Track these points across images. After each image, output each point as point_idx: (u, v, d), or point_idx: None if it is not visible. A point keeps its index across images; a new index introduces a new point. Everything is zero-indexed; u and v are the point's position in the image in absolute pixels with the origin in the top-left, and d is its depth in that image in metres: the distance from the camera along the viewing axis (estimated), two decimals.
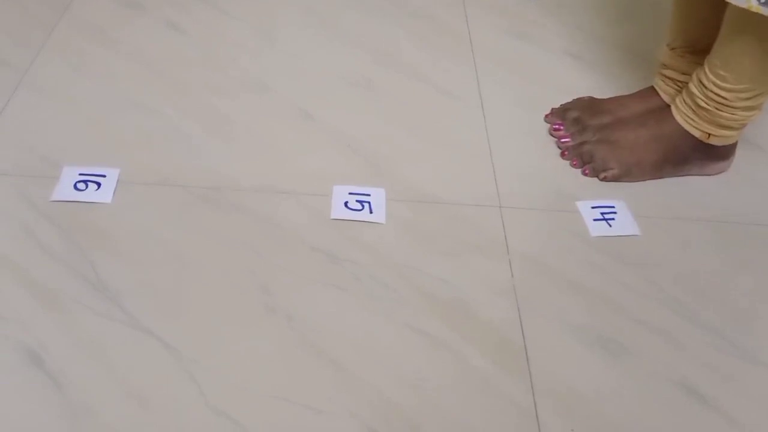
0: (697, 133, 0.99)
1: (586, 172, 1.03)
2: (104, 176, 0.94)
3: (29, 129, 1.00)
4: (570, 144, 1.05)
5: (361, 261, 0.88)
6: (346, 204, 0.95)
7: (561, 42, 1.30)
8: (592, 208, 0.99)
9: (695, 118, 0.98)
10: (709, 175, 1.04)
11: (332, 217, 0.93)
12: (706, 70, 0.94)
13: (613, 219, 0.97)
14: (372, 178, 1.00)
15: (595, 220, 0.97)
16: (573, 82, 1.19)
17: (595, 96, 1.12)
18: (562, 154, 1.05)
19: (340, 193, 0.97)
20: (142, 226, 0.89)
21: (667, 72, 1.05)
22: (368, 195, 0.97)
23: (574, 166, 1.04)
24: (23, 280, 0.81)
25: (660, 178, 1.03)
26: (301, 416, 0.73)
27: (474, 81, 1.19)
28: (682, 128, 0.99)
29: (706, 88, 0.95)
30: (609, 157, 1.02)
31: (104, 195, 0.92)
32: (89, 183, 0.93)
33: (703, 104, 0.96)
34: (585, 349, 0.81)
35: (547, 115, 1.11)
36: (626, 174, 1.02)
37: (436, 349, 0.80)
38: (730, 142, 1.01)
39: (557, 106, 1.11)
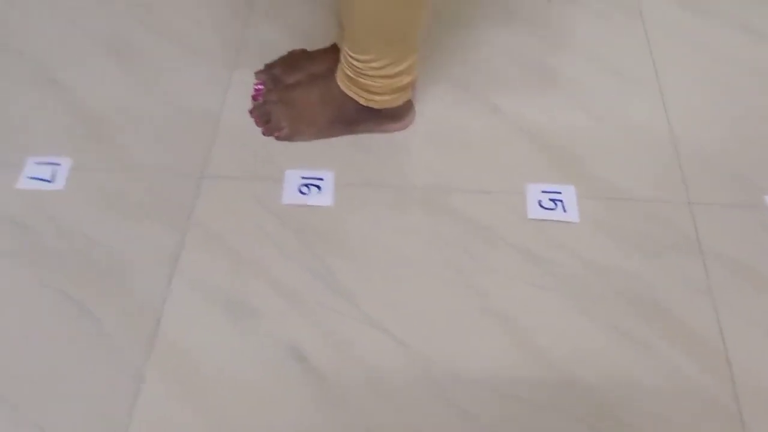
0: (355, 98, 1.03)
1: None
2: (322, 179, 1.05)
3: (247, 131, 1.11)
4: None
5: (560, 261, 0.96)
6: (540, 203, 1.02)
7: (740, 14, 1.27)
8: None
9: (350, 85, 1.02)
10: (388, 132, 1.09)
11: (529, 216, 1.01)
12: (344, 42, 0.98)
13: None
14: (560, 174, 1.06)
15: None
16: (753, 58, 1.18)
17: None
18: None
19: (534, 191, 1.04)
20: (363, 228, 1.00)
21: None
22: (559, 193, 1.03)
23: None
24: (269, 279, 0.94)
25: (332, 136, 1.08)
26: (527, 411, 0.83)
27: (649, 60, 1.20)
28: (344, 92, 1.04)
29: (346, 59, 0.99)
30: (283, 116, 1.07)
31: (325, 198, 1.03)
32: (311, 186, 1.04)
33: (349, 74, 1.00)
34: None
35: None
36: (296, 133, 1.08)
37: (638, 348, 0.88)
38: (389, 106, 1.05)
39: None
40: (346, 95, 1.05)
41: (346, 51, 0.99)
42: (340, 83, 1.05)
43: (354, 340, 0.89)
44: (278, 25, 1.26)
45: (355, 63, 0.98)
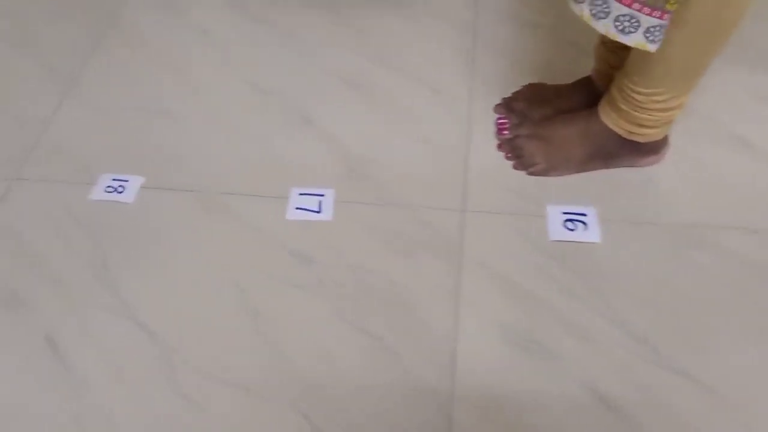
0: (619, 132, 1.02)
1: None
2: (585, 215, 1.03)
3: (496, 165, 1.10)
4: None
5: None
6: None
7: None
8: None
9: (618, 119, 1.02)
10: (638, 166, 1.07)
11: None
12: (623, 74, 0.97)
13: None
14: None
15: None
16: None
17: None
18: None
19: None
20: (639, 267, 0.97)
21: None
22: None
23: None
24: (557, 318, 0.92)
25: (587, 171, 1.07)
26: None
27: None
28: (607, 126, 1.03)
29: (623, 91, 0.98)
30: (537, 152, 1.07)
31: (592, 234, 1.01)
32: (576, 222, 1.03)
33: (623, 107, 0.99)
34: None
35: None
36: (552, 168, 1.07)
37: None
38: (654, 140, 1.03)
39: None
40: (609, 129, 1.04)
41: (626, 84, 0.98)
42: (604, 117, 1.04)
43: (654, 384, 0.87)
44: (505, 59, 1.26)
45: (636, 96, 0.97)
